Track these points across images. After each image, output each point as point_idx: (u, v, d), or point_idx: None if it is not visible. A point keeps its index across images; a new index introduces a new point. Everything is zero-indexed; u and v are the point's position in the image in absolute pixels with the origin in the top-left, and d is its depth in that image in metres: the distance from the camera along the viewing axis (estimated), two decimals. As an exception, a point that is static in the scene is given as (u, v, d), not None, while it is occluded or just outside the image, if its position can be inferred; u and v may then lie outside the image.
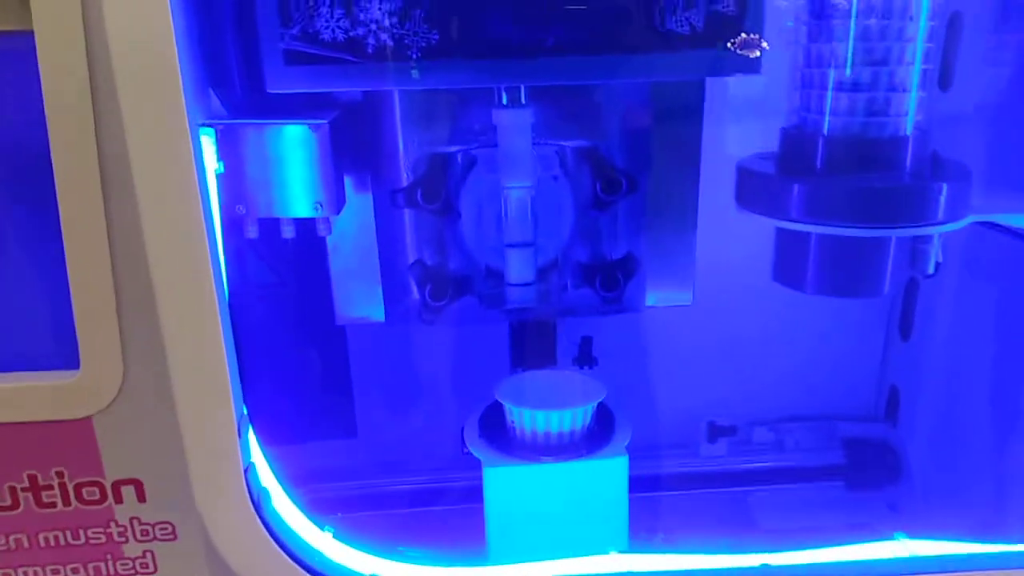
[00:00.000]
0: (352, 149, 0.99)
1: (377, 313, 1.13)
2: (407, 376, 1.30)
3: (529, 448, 1.02)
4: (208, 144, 0.73)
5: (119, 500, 0.82)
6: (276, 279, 1.10)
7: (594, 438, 1.04)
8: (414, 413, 1.33)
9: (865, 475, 1.48)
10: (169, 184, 0.71)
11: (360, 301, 1.11)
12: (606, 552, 0.96)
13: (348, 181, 1.03)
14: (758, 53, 0.90)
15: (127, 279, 0.73)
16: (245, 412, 0.82)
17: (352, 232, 1.06)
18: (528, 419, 1.01)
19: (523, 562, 0.96)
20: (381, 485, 1.37)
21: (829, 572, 0.92)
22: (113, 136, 0.69)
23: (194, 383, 0.76)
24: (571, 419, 1.01)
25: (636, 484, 1.49)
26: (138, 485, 0.82)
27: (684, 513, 1.37)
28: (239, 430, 0.78)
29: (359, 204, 1.05)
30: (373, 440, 1.32)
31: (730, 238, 1.20)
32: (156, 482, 0.82)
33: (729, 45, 0.88)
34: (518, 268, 1.01)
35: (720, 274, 1.22)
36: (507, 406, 1.02)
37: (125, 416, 0.78)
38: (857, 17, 0.88)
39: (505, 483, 1.01)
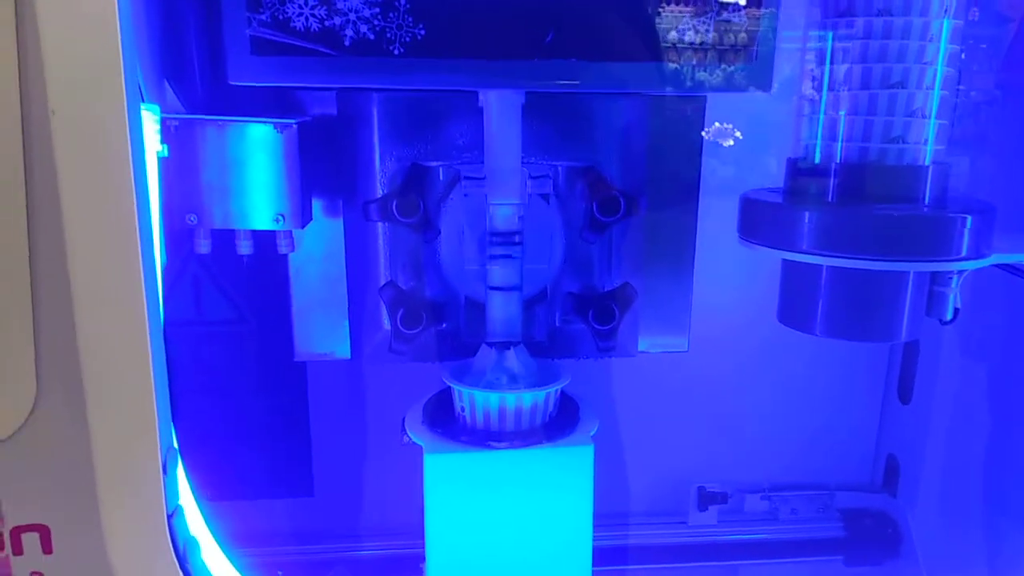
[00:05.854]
0: (323, 158, 0.90)
1: (343, 349, 1.01)
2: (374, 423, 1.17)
3: (479, 435, 0.89)
4: (150, 124, 0.64)
5: (18, 551, 0.68)
6: (229, 303, 0.98)
7: (554, 427, 0.92)
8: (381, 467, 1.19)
9: (865, 549, 1.39)
10: (99, 175, 0.60)
11: (324, 334, 1.00)
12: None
13: (317, 196, 0.93)
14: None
15: (47, 277, 0.62)
16: (175, 445, 0.69)
17: (319, 254, 0.96)
18: (480, 401, 0.88)
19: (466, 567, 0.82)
20: (339, 551, 1.23)
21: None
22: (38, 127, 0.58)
23: (111, 403, 0.63)
24: (530, 401, 0.88)
25: (618, 556, 1.40)
26: (44, 532, 0.68)
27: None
28: (164, 465, 0.65)
29: (328, 222, 0.95)
30: (332, 499, 1.19)
31: (727, 284, 1.14)
32: (66, 529, 0.68)
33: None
34: (502, 307, 0.91)
35: (715, 323, 1.14)
36: (455, 389, 0.90)
37: (34, 446, 0.65)
38: (875, 37, 0.82)
39: (449, 473, 0.87)
